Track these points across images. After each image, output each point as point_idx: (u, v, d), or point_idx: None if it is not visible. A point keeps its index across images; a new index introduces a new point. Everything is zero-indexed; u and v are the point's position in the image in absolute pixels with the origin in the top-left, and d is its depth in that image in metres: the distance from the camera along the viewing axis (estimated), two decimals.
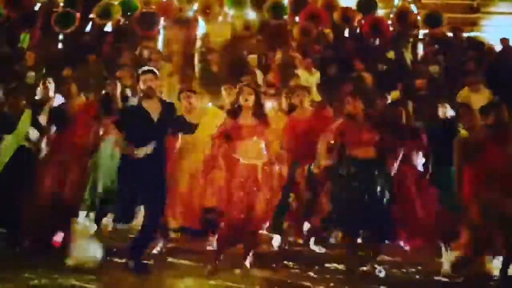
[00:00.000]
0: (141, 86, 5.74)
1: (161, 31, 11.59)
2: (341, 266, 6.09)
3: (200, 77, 10.23)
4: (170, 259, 6.24)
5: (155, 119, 5.68)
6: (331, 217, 6.10)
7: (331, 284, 5.63)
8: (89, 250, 5.82)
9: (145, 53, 10.50)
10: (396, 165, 6.00)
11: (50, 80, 7.32)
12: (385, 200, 5.79)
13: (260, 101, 5.92)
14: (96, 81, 8.98)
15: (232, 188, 5.67)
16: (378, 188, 5.77)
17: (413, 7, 11.97)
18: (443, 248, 6.22)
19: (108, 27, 11.59)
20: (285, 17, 11.67)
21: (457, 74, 9.96)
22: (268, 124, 5.86)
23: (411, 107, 7.01)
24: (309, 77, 9.94)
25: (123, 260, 5.83)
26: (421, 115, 7.75)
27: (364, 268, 5.88)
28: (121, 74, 8.39)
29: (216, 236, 6.00)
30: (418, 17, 11.62)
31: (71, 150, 6.48)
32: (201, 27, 11.43)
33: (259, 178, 5.70)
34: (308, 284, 5.64)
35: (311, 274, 5.93)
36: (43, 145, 6.64)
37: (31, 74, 9.51)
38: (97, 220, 6.91)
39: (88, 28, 11.54)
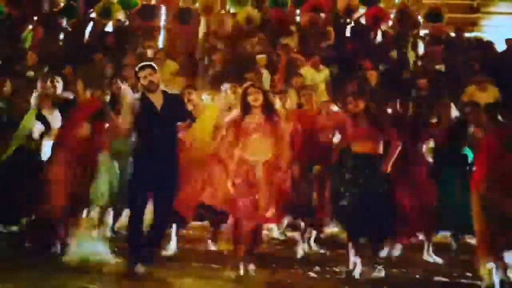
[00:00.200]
0: (142, 82, 5.74)
1: (161, 32, 11.59)
2: (341, 267, 6.10)
3: (203, 75, 10.24)
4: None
5: (159, 110, 5.67)
6: (332, 215, 6.12)
7: (332, 285, 5.64)
8: (93, 249, 5.83)
9: (149, 52, 10.49)
10: (390, 162, 5.99)
11: (59, 79, 7.30)
12: (385, 197, 5.83)
13: (269, 99, 5.88)
14: (102, 80, 8.96)
15: (236, 186, 5.65)
16: (379, 185, 5.82)
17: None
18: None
19: (108, 27, 11.59)
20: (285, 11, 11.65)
21: (459, 74, 9.99)
22: (279, 121, 5.79)
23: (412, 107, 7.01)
24: (316, 75, 9.81)
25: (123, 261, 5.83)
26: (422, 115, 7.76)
27: (365, 268, 5.89)
28: (127, 74, 8.41)
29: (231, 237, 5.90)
30: (419, 17, 11.62)
31: (76, 146, 6.40)
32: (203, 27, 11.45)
33: (263, 175, 5.66)
34: (308, 284, 5.64)
35: (312, 274, 5.93)
36: (46, 141, 6.65)
37: (31, 73, 9.50)
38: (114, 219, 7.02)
39: (89, 28, 11.54)
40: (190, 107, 6.32)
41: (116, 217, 7.23)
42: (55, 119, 6.70)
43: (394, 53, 10.79)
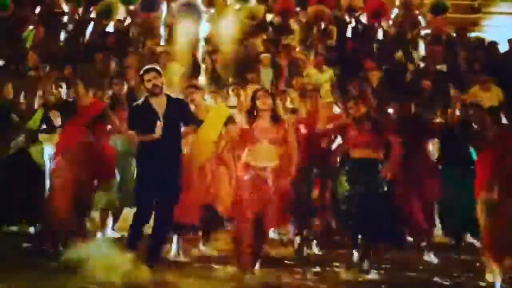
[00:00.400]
0: (146, 85, 5.71)
1: (162, 32, 11.58)
2: (341, 267, 6.10)
3: (206, 76, 10.23)
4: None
5: (162, 114, 5.63)
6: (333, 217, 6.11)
7: (332, 285, 5.64)
8: (93, 249, 5.84)
9: (158, 48, 10.45)
10: (393, 170, 5.96)
11: (63, 84, 7.28)
12: (385, 199, 5.83)
13: (276, 104, 5.85)
14: (103, 80, 8.95)
15: (241, 190, 5.64)
16: (379, 187, 5.82)
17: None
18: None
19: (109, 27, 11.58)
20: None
21: (461, 74, 9.99)
22: (284, 127, 5.73)
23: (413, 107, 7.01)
24: (319, 76, 9.76)
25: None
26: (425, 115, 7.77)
27: (365, 268, 5.88)
28: (129, 75, 8.42)
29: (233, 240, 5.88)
30: (419, 17, 11.62)
31: (78, 152, 6.39)
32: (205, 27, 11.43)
33: (269, 180, 5.63)
34: (308, 284, 5.64)
35: (312, 275, 5.93)
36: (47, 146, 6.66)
37: (32, 73, 9.50)
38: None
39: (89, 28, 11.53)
40: (192, 107, 6.30)
41: (116, 218, 7.23)
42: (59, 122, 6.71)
43: (400, 54, 10.77)
